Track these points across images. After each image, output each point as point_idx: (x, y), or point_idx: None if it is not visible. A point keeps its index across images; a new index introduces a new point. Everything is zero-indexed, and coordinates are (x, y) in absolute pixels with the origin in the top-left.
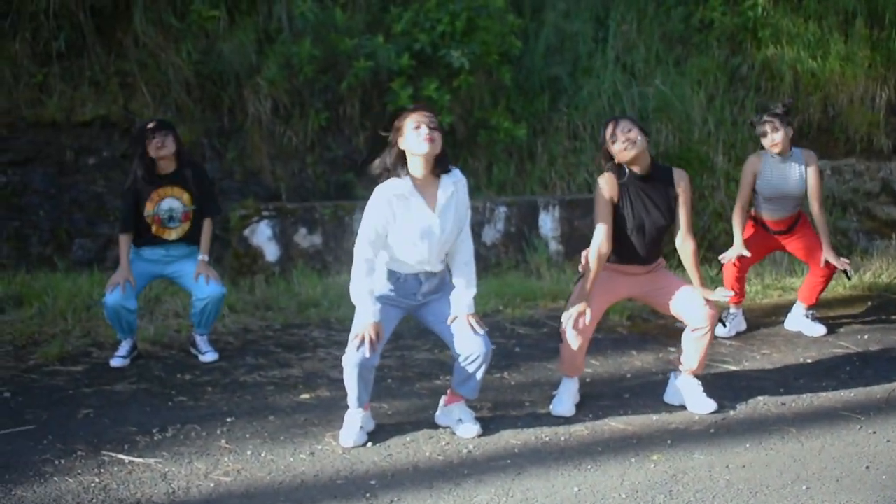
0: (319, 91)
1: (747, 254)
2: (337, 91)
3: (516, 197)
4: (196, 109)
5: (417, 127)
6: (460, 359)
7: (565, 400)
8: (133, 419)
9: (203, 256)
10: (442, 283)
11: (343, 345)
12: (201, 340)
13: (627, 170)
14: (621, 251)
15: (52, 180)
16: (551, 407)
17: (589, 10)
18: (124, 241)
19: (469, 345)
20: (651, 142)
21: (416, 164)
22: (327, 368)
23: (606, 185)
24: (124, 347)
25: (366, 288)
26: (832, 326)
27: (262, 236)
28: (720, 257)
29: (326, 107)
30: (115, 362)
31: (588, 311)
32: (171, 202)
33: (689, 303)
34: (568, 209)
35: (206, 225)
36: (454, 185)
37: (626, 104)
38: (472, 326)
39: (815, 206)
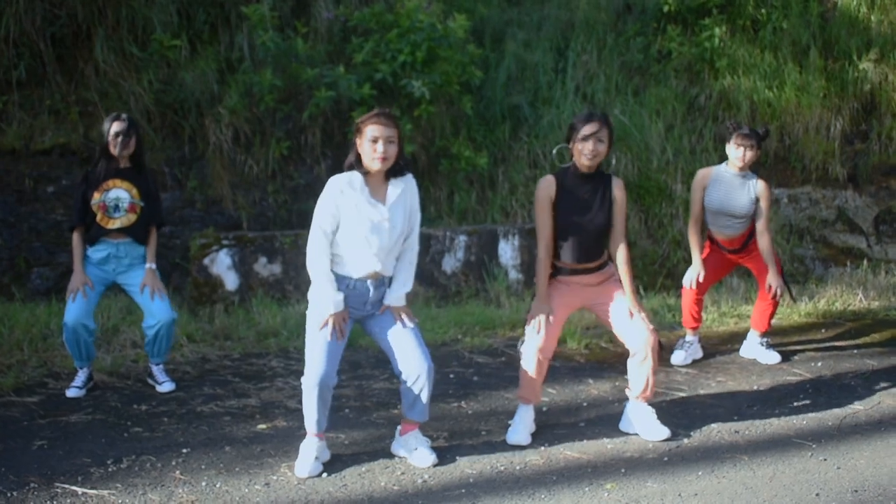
0: (281, 120)
1: (702, 273)
2: (298, 120)
3: (476, 226)
4: (157, 138)
5: (374, 141)
6: (403, 377)
7: (521, 429)
8: (87, 450)
9: (150, 265)
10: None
11: (301, 374)
12: (157, 370)
13: (572, 168)
14: (566, 248)
15: (10, 208)
16: (507, 436)
17: (549, 41)
18: (77, 240)
19: (410, 364)
20: (609, 170)
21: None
22: (285, 398)
23: (545, 186)
24: (80, 378)
25: (326, 277)
26: (786, 353)
27: (222, 265)
28: (683, 282)
29: (288, 136)
30: (71, 392)
31: (551, 315)
32: (119, 192)
33: (629, 327)
34: (528, 237)
35: (152, 234)
36: (404, 183)
37: None
38: (401, 319)
39: (761, 234)
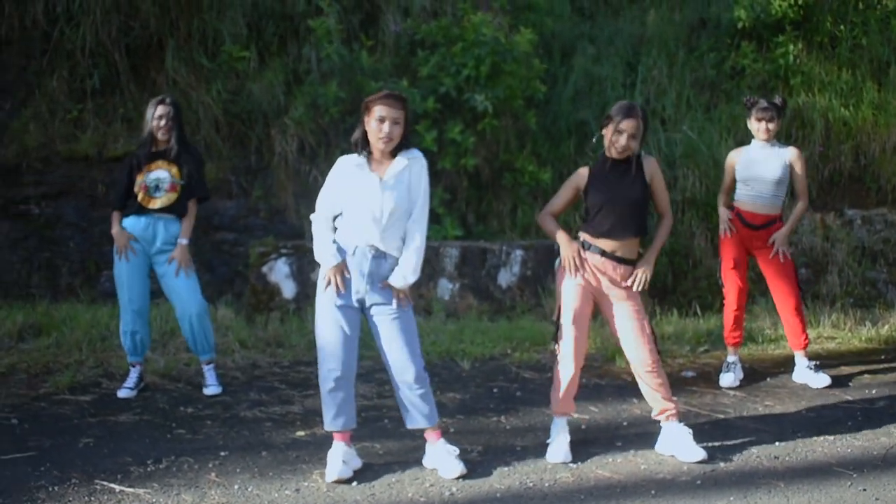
0: (345, 132)
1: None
2: None
3: (533, 240)
4: (224, 147)
5: (381, 121)
6: (398, 382)
7: (561, 444)
8: (130, 450)
9: (183, 240)
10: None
11: None
12: (207, 371)
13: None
14: (599, 223)
15: (83, 213)
16: (547, 454)
17: (619, 55)
18: (115, 216)
19: (401, 369)
20: (677, 187)
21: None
22: None
23: (578, 174)
24: (132, 378)
25: (327, 239)
26: (841, 379)
27: (280, 273)
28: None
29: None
30: (122, 393)
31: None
32: (160, 173)
33: (630, 342)
34: None
35: (191, 206)
36: (408, 161)
37: (652, 149)
38: (397, 300)
39: (798, 198)
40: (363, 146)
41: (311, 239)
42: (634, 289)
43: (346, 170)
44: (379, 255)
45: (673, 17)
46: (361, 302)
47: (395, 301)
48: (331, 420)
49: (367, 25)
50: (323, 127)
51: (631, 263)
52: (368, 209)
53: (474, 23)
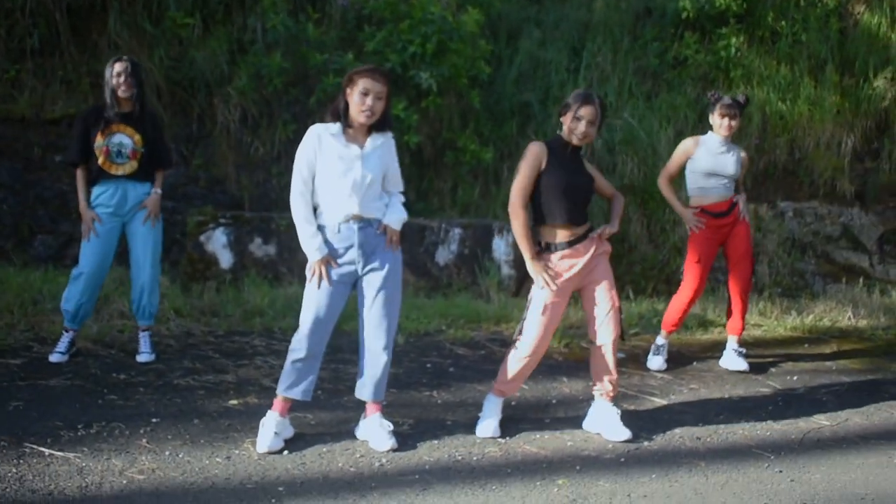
0: (288, 103)
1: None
2: (305, 104)
3: (471, 219)
4: (166, 115)
5: (364, 94)
6: (368, 348)
7: (493, 421)
8: (61, 414)
9: (157, 189)
10: (380, 244)
11: (283, 354)
12: (143, 337)
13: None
14: (559, 209)
15: (17, 176)
16: (477, 429)
17: (564, 40)
18: (80, 178)
19: (376, 335)
20: (616, 173)
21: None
22: (261, 376)
23: (538, 150)
24: (63, 343)
25: (310, 229)
26: (764, 365)
27: (218, 243)
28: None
29: (294, 119)
30: (54, 357)
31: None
32: (122, 138)
33: (604, 320)
34: None
35: (158, 176)
36: (383, 138)
37: None
38: (389, 240)
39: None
40: (343, 118)
41: (250, 209)
42: (602, 237)
43: (323, 138)
44: (364, 224)
45: (619, 4)
46: (355, 273)
47: (392, 239)
48: (286, 387)
49: None
50: (266, 97)
51: (590, 228)
52: (350, 178)
53: (422, 0)
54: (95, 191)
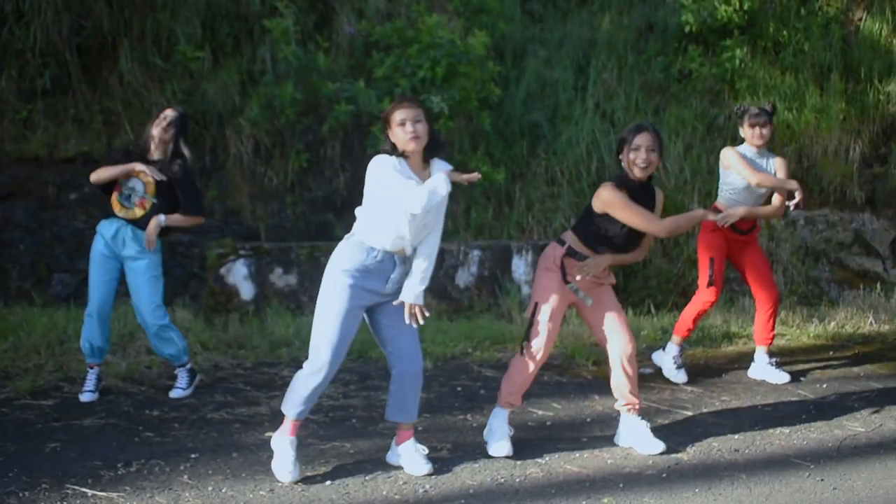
0: (301, 133)
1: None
2: (318, 133)
3: (490, 241)
4: None
5: (402, 124)
6: (400, 373)
7: (505, 439)
8: (99, 453)
9: (161, 217)
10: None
11: None
12: (179, 373)
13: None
14: (610, 244)
15: (33, 215)
16: (490, 449)
17: (570, 58)
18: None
19: (409, 360)
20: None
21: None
22: None
23: (621, 189)
24: (91, 381)
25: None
26: (793, 374)
27: (238, 275)
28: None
29: (307, 148)
30: (85, 397)
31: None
32: (136, 182)
33: (616, 332)
34: (541, 253)
35: (183, 219)
36: (439, 165)
37: (603, 151)
38: (413, 318)
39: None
40: (396, 154)
41: (266, 239)
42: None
43: (391, 167)
44: (405, 261)
45: (621, 20)
46: (376, 300)
47: (416, 317)
48: (292, 407)
49: (321, 26)
50: (278, 128)
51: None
52: (412, 219)
53: (430, 25)
54: (102, 225)
